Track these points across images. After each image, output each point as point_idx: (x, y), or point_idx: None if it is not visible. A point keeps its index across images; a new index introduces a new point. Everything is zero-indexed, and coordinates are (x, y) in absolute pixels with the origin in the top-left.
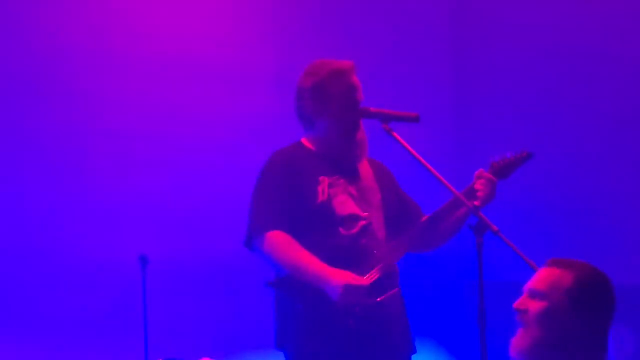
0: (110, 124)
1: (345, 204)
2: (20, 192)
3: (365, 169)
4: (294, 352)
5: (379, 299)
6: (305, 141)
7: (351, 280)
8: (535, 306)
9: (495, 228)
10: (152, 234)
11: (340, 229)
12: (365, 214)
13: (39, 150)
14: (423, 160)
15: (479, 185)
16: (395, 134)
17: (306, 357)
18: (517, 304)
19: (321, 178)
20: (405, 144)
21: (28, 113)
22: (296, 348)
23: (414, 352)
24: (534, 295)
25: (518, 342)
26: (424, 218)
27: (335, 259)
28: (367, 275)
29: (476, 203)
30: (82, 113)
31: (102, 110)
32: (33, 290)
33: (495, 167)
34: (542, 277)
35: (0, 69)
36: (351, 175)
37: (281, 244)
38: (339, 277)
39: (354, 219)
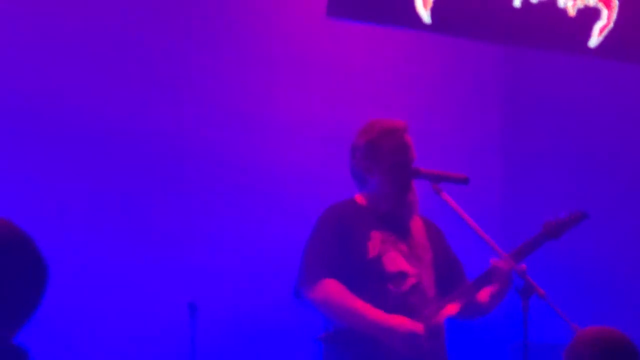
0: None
1: (395, 261)
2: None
3: (417, 226)
4: None
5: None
6: (358, 198)
7: (409, 325)
8: None
9: (542, 292)
10: (202, 280)
11: (389, 286)
12: (415, 271)
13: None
14: (470, 221)
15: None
16: (444, 194)
17: None
18: None
19: (372, 233)
20: (454, 204)
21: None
22: None
23: None
24: None
25: None
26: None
27: None
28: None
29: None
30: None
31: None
32: (80, 338)
33: (548, 227)
34: None
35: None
36: (402, 232)
37: (336, 292)
38: (398, 321)
39: (403, 276)
